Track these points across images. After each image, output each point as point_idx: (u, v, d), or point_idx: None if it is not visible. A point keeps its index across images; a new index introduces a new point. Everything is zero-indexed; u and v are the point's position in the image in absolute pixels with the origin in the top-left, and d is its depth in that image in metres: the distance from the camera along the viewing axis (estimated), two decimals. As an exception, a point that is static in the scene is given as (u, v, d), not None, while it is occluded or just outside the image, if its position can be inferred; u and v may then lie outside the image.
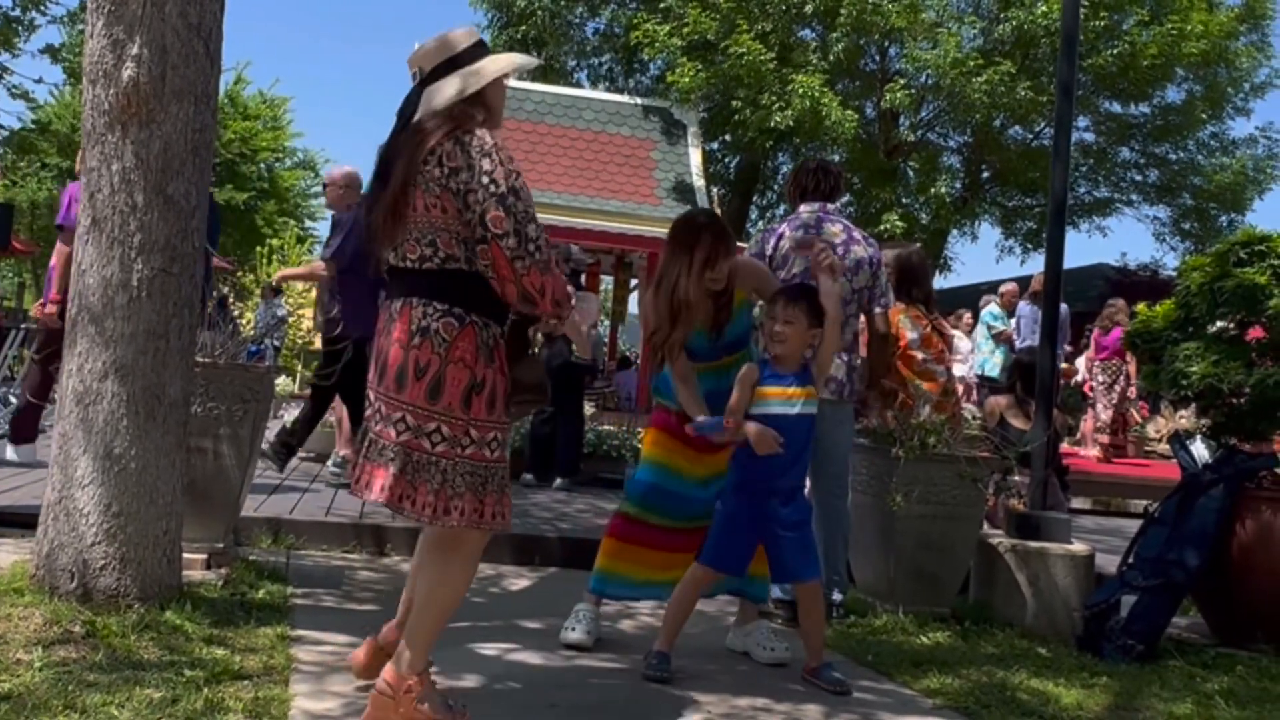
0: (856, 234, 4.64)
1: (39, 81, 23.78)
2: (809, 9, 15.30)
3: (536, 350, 2.81)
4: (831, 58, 15.20)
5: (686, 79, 14.64)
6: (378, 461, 2.70)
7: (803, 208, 4.65)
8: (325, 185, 6.79)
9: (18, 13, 18.71)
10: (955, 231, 18.19)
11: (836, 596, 4.50)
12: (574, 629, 3.80)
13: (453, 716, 2.70)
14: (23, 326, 12.19)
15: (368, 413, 2.77)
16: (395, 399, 2.67)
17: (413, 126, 2.73)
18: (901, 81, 15.80)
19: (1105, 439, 10.66)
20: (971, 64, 14.50)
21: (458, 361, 2.63)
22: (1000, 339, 10.53)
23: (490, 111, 2.79)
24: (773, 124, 14.75)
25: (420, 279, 2.69)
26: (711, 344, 3.81)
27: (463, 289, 2.66)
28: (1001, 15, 15.16)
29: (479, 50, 2.80)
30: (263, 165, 27.68)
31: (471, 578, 2.82)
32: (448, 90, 2.71)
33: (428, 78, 2.76)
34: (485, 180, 2.59)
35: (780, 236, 4.56)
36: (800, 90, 14.32)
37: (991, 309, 10.96)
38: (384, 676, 2.69)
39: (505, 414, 2.74)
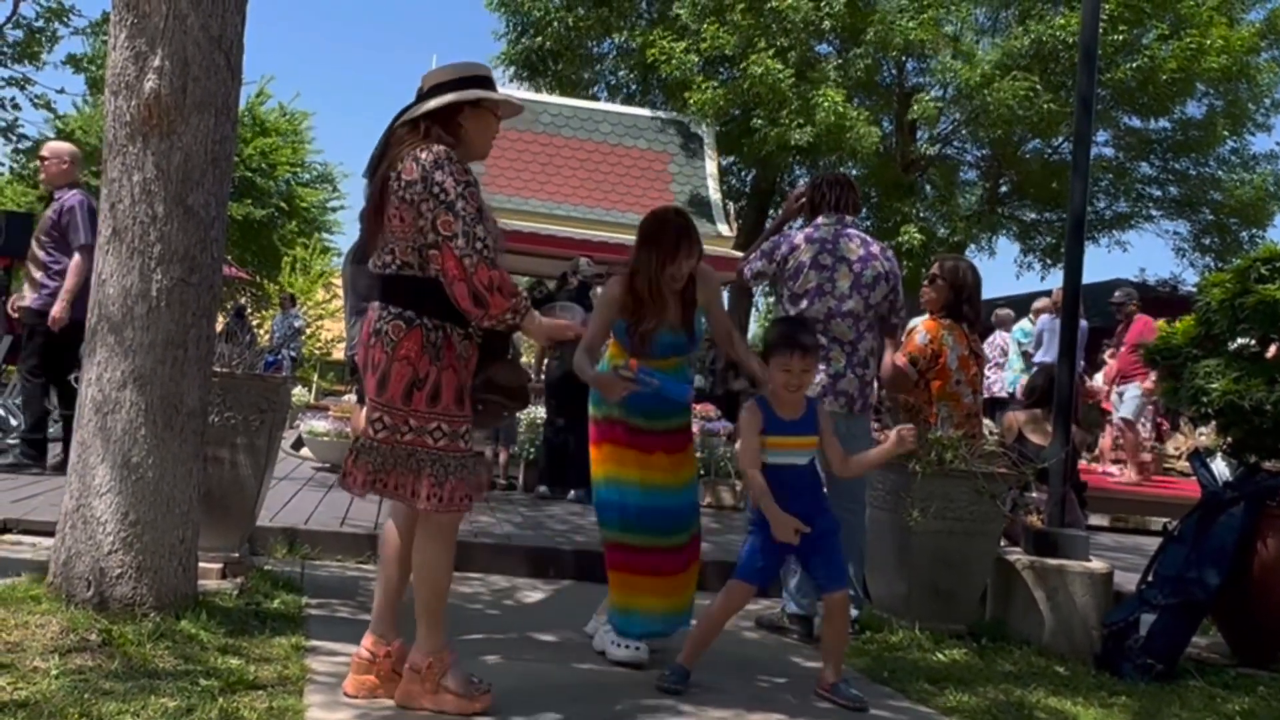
0: (875, 248, 4.62)
1: (61, 92, 24.01)
2: (827, 25, 15.31)
3: (514, 356, 3.11)
4: (853, 73, 15.18)
5: (705, 95, 14.64)
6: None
7: (821, 220, 4.64)
8: (44, 158, 6.50)
9: (40, 24, 18.92)
10: (973, 246, 18.12)
11: (852, 613, 4.47)
12: (629, 645, 3.75)
13: (474, 692, 2.97)
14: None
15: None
16: (369, 396, 2.99)
17: (388, 137, 3.00)
18: (934, 93, 15.78)
19: (1148, 457, 10.55)
20: (1007, 76, 14.42)
21: (402, 359, 2.89)
22: (1030, 358, 10.40)
23: (469, 141, 3.04)
24: (793, 141, 14.74)
25: (381, 283, 2.98)
26: (678, 341, 3.85)
27: (414, 293, 2.91)
28: (1021, 29, 15.10)
29: (477, 81, 3.04)
30: (281, 181, 27.76)
31: (447, 552, 3.02)
32: (424, 106, 2.98)
33: (426, 94, 3.01)
34: (436, 190, 2.84)
35: (795, 248, 4.55)
36: (824, 104, 14.29)
37: (1023, 325, 10.87)
38: (412, 655, 3.00)
39: (459, 408, 2.96)
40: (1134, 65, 14.91)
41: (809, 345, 3.59)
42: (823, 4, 15.16)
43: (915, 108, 15.43)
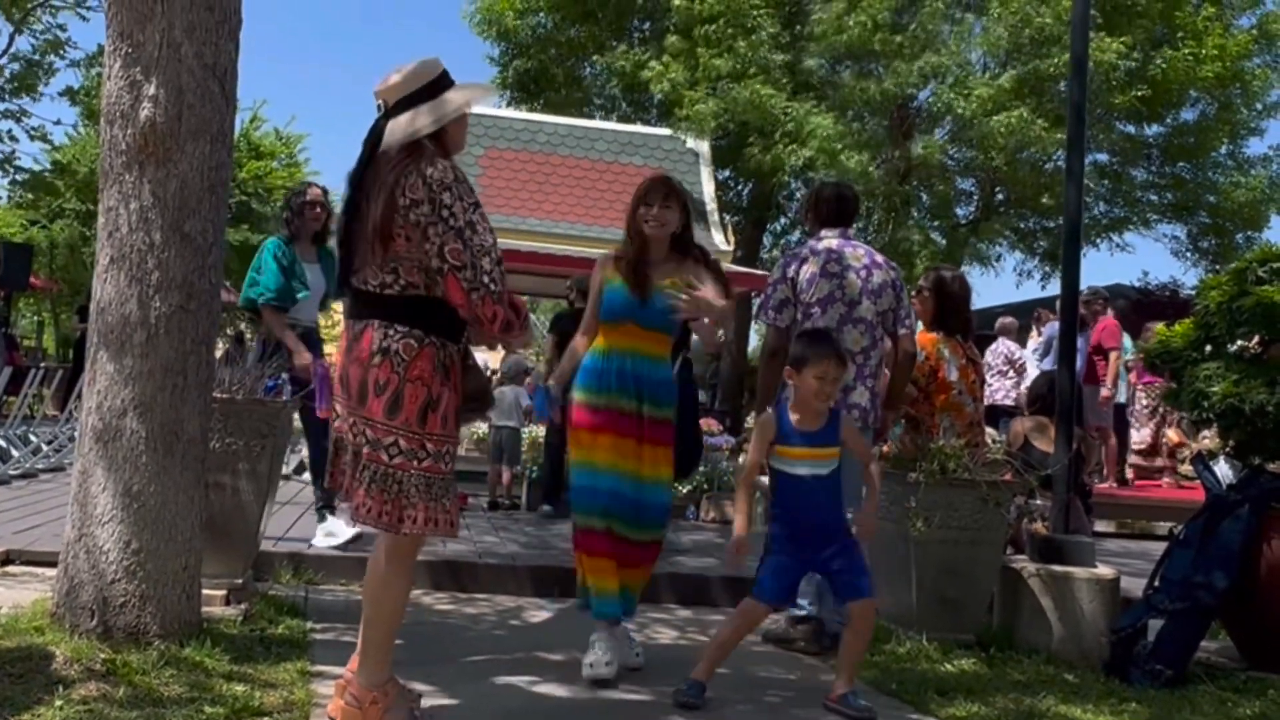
0: (878, 258, 4.65)
1: (57, 123, 24.02)
2: (823, 44, 15.35)
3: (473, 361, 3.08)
4: (860, 97, 15.21)
5: (696, 109, 14.68)
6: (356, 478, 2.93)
7: (825, 232, 4.66)
8: None
9: (37, 57, 19.03)
10: (971, 255, 18.12)
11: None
12: (602, 665, 3.67)
13: None
14: (42, 366, 12.29)
15: (339, 426, 2.98)
16: (359, 414, 2.85)
17: (380, 159, 2.89)
18: (938, 138, 15.84)
19: (1143, 461, 10.52)
20: (1004, 112, 14.47)
21: (415, 380, 2.82)
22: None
23: (452, 142, 2.98)
24: (788, 164, 14.80)
25: (382, 303, 2.86)
26: (630, 306, 3.84)
27: (423, 313, 2.85)
28: (1026, 58, 15.11)
29: (440, 83, 2.96)
30: (278, 205, 27.76)
31: (410, 576, 2.95)
32: (408, 125, 2.87)
33: (392, 110, 2.91)
34: (445, 214, 2.78)
35: (804, 261, 4.56)
36: (817, 133, 14.35)
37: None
38: (350, 689, 2.86)
39: (455, 430, 2.93)
40: (1138, 95, 14.96)
41: (844, 354, 3.66)
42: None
43: (921, 150, 15.46)
